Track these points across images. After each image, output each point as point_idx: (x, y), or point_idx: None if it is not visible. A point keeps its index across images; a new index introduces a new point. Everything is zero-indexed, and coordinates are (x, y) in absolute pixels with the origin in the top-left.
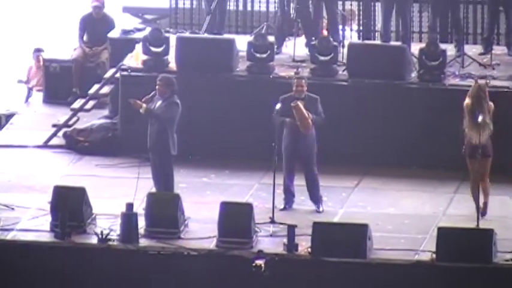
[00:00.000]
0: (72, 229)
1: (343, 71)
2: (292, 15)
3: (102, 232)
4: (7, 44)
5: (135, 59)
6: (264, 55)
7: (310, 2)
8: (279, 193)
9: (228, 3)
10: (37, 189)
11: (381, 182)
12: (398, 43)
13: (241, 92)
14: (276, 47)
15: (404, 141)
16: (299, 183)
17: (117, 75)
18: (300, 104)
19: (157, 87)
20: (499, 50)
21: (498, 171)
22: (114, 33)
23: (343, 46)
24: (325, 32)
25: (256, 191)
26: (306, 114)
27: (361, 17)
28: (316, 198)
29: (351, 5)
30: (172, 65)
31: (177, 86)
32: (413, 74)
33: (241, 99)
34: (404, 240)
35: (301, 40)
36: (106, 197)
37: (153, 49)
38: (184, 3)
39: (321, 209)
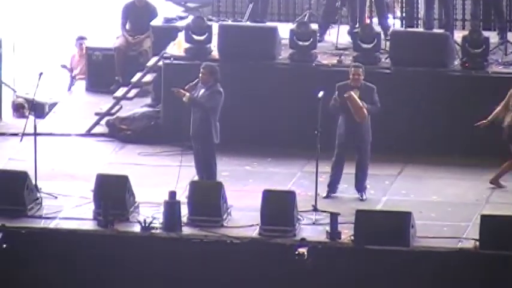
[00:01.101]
0: (115, 217)
1: (386, 58)
2: (337, 3)
3: (145, 220)
4: (51, 32)
5: (177, 47)
6: (307, 43)
7: None
8: (322, 181)
9: None
10: (80, 178)
11: (423, 169)
12: (441, 31)
13: (283, 80)
14: (318, 34)
15: (446, 129)
16: (344, 171)
17: (160, 63)
18: (354, 94)
19: (200, 75)
20: None
21: None
22: (157, 22)
23: (386, 34)
24: (367, 21)
25: (299, 179)
26: (361, 104)
27: (404, 5)
28: (361, 187)
29: None
30: (215, 53)
31: (220, 75)
32: (456, 62)
33: (283, 87)
34: (447, 228)
35: (344, 28)
36: (149, 185)
37: (196, 37)
38: None
39: (364, 197)
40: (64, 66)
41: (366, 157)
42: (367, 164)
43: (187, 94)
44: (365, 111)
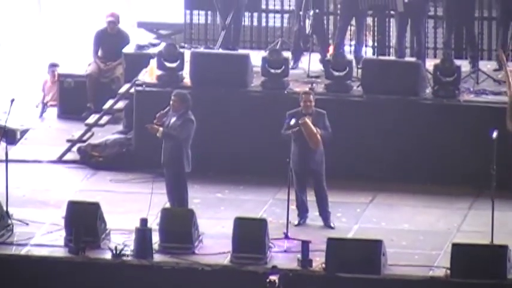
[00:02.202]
0: (87, 244)
1: (358, 86)
2: (308, 31)
3: (116, 247)
4: (22, 59)
5: (149, 74)
6: (279, 70)
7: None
8: (293, 209)
9: (243, 19)
10: (51, 204)
11: (395, 198)
12: (413, 59)
13: (255, 107)
14: (292, 62)
15: (419, 157)
16: (312, 198)
17: (132, 90)
18: (308, 121)
19: (171, 102)
20: None
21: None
22: (129, 49)
23: (358, 62)
24: (330, 49)
25: (270, 207)
26: (315, 130)
27: (375, 33)
28: (326, 214)
29: (366, 20)
30: (187, 80)
31: (191, 102)
32: (428, 90)
33: (255, 115)
34: (418, 256)
35: (318, 56)
36: (120, 212)
37: (168, 64)
38: (199, 19)
39: (332, 225)
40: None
41: (322, 183)
42: (325, 189)
43: (160, 129)
44: (319, 137)
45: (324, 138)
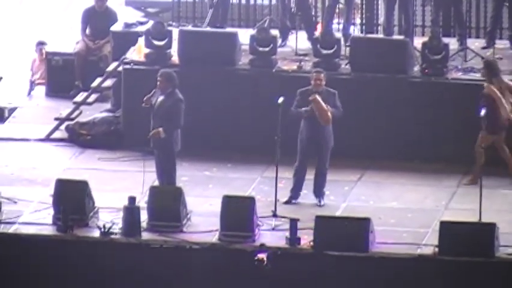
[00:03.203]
0: (75, 222)
1: (346, 64)
2: (292, 9)
3: (104, 225)
4: (10, 37)
5: (137, 52)
6: (267, 49)
7: None
8: (281, 186)
9: None
10: (39, 183)
11: (383, 175)
12: (401, 37)
13: (243, 85)
14: (280, 40)
15: (407, 134)
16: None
17: (120, 68)
18: (319, 97)
19: (158, 82)
20: (501, 44)
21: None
22: (117, 27)
23: (346, 40)
24: (319, 26)
25: (259, 185)
26: (325, 107)
27: (363, 11)
28: (320, 192)
29: None
30: (175, 59)
31: (177, 80)
32: (416, 68)
33: (243, 93)
34: (406, 234)
35: (305, 34)
36: (108, 191)
37: (156, 42)
38: None
39: (322, 203)
40: None
41: (326, 162)
42: (327, 168)
43: (160, 130)
44: (329, 114)
45: (335, 116)
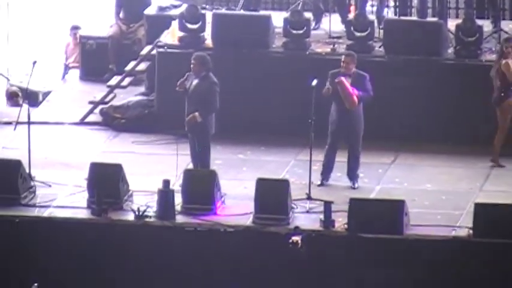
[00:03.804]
0: (109, 206)
1: (380, 47)
2: None
3: (138, 209)
4: (45, 21)
5: (171, 35)
6: (300, 31)
7: None
8: (316, 169)
9: None
10: (74, 166)
11: (417, 158)
12: (435, 19)
13: (277, 68)
14: (314, 23)
15: (440, 117)
16: (338, 159)
17: (154, 52)
18: (344, 80)
19: (191, 66)
20: None
21: None
22: (151, 10)
23: (380, 22)
24: (352, 9)
25: (293, 168)
26: (351, 90)
27: None
28: (353, 175)
29: None
30: (209, 42)
31: (211, 64)
32: (450, 50)
33: (277, 76)
34: (441, 216)
35: (339, 16)
36: (143, 174)
37: (190, 26)
38: None
39: (356, 186)
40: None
41: (357, 145)
42: (359, 151)
43: (196, 114)
44: (355, 97)
45: (362, 99)
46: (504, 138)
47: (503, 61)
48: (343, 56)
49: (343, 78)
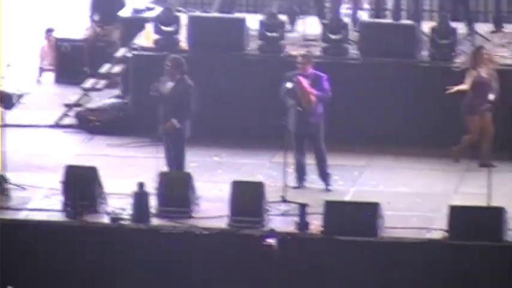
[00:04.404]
0: (84, 208)
1: (355, 49)
2: None
3: (113, 211)
4: (19, 24)
5: (146, 38)
6: (275, 34)
7: None
8: (291, 172)
9: None
10: (49, 169)
11: (392, 160)
12: (410, 21)
13: (252, 71)
14: (289, 25)
15: (415, 119)
16: (310, 162)
17: (128, 54)
18: (302, 80)
19: (166, 68)
20: (509, 28)
21: (505, 149)
22: (125, 13)
23: (355, 25)
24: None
25: (268, 170)
26: (308, 89)
27: None
28: (324, 174)
29: None
30: (184, 44)
31: (186, 66)
32: (425, 53)
33: (252, 78)
34: (416, 219)
35: (314, 19)
36: (118, 177)
37: (164, 28)
38: None
39: (330, 187)
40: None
41: (319, 143)
42: (323, 150)
43: (174, 121)
44: (312, 97)
45: (321, 99)
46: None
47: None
48: (299, 58)
49: (300, 78)
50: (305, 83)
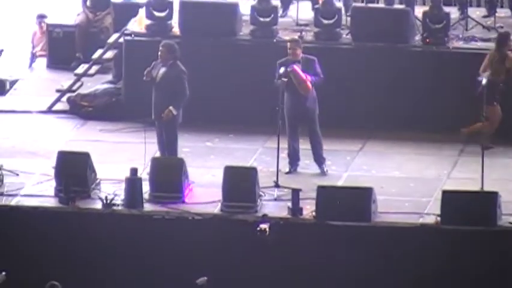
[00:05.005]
0: (77, 194)
1: (347, 34)
2: None
3: (106, 197)
4: (11, 10)
5: (138, 23)
6: (268, 19)
7: None
8: (284, 157)
9: None
10: (41, 155)
11: (385, 145)
12: (402, 6)
13: (244, 56)
14: (281, 10)
15: (408, 104)
16: (303, 147)
17: (121, 40)
18: (297, 68)
19: (159, 53)
20: (502, 12)
21: (503, 135)
22: None
23: (347, 10)
24: None
25: (260, 155)
26: (304, 77)
27: None
28: (319, 158)
29: None
30: (176, 30)
31: (179, 52)
32: (417, 37)
33: (244, 64)
34: (408, 204)
35: (307, 4)
36: (110, 162)
37: (157, 14)
38: None
39: (325, 169)
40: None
41: (315, 127)
42: (319, 134)
43: (171, 108)
44: (308, 83)
45: (315, 84)
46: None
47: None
48: (288, 43)
49: (295, 66)
50: (299, 70)
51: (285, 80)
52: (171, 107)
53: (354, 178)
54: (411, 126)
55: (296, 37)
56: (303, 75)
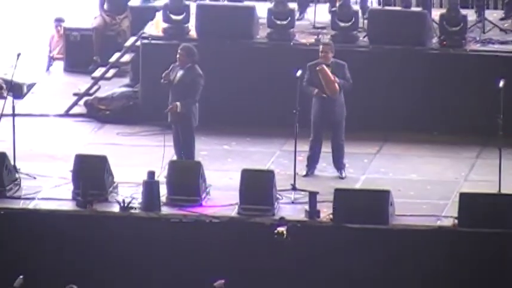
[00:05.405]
0: (94, 197)
1: (364, 37)
2: None
3: (124, 200)
4: (29, 13)
5: (155, 27)
6: (285, 22)
7: None
8: (301, 160)
9: None
10: (59, 158)
11: (402, 148)
12: (419, 9)
13: (261, 59)
14: (298, 13)
15: (425, 106)
16: (322, 149)
17: (138, 43)
18: (325, 68)
19: (178, 56)
20: None
21: None
22: (135, 1)
23: (364, 12)
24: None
25: (278, 158)
26: (332, 78)
27: None
28: (340, 165)
29: None
30: (193, 33)
31: (198, 55)
32: (434, 40)
33: (261, 67)
34: (426, 206)
35: (323, 7)
36: (128, 165)
37: (174, 17)
38: None
39: (343, 175)
40: None
41: (340, 133)
42: (343, 140)
43: (178, 104)
44: (336, 85)
45: (343, 87)
46: None
47: None
48: (320, 46)
49: (324, 66)
50: (328, 71)
51: (317, 90)
52: (178, 103)
53: (371, 181)
54: (428, 128)
55: (328, 40)
56: (331, 75)
